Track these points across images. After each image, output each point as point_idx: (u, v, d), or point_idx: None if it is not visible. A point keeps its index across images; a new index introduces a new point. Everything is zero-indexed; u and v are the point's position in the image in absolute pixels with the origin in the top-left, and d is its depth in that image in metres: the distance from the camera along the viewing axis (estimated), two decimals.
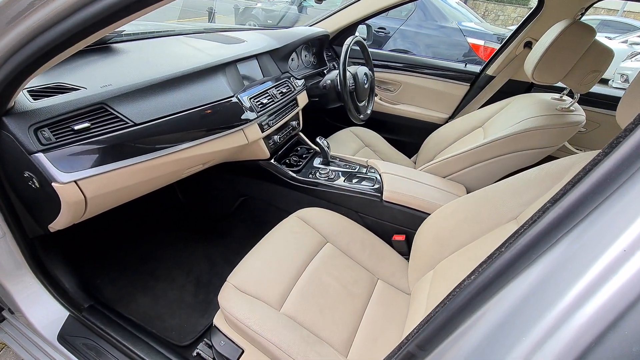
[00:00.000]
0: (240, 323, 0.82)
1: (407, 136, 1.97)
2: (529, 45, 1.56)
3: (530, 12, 1.54)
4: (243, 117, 1.12)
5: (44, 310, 0.96)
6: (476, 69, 1.82)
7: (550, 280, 0.29)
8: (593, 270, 0.26)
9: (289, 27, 1.80)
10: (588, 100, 1.53)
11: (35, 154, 0.68)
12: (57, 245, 0.99)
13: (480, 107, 1.70)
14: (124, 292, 1.17)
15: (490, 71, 1.72)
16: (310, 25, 1.91)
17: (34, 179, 0.72)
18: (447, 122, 1.81)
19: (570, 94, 1.25)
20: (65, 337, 0.94)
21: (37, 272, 0.95)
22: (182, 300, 1.18)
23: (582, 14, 1.42)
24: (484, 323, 0.32)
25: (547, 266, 0.29)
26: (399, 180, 1.25)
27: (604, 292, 0.25)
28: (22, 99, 0.70)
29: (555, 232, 0.29)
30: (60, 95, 0.75)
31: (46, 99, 0.73)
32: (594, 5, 1.43)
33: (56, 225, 0.84)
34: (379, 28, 4.39)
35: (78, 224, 0.90)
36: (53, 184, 0.70)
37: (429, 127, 1.79)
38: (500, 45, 1.74)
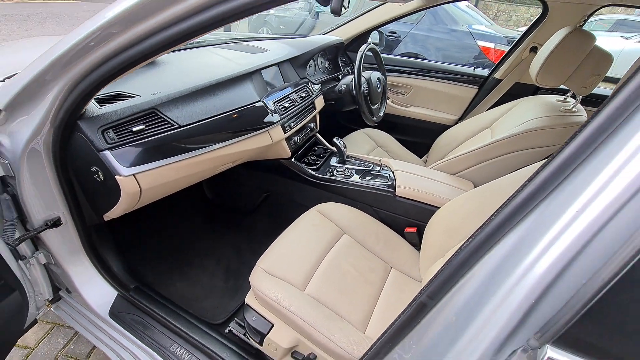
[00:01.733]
0: (271, 300, 0.93)
1: (418, 137, 2.06)
2: (534, 50, 1.64)
3: (536, 19, 1.62)
4: (269, 119, 1.23)
5: (96, 290, 1.09)
6: (484, 72, 1.91)
7: (525, 239, 0.39)
8: (555, 227, 0.36)
9: (306, 35, 1.93)
10: (592, 101, 1.60)
11: (103, 152, 0.81)
12: (108, 233, 1.13)
13: (488, 109, 1.78)
14: (163, 277, 1.30)
15: (498, 74, 1.80)
16: (326, 33, 2.03)
17: (99, 173, 0.85)
18: (456, 123, 1.90)
19: (574, 96, 1.32)
20: (115, 313, 1.07)
21: (92, 257, 1.08)
22: (214, 285, 1.30)
23: (585, 21, 1.49)
24: (479, 272, 0.42)
25: (524, 229, 0.39)
26: (411, 177, 1.35)
27: (563, 241, 0.35)
28: (91, 105, 0.84)
29: (531, 202, 0.39)
30: (120, 102, 0.88)
31: (109, 105, 0.86)
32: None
33: (112, 214, 0.97)
34: (389, 32, 4.47)
35: (123, 217, 1.03)
36: (116, 176, 0.83)
37: (439, 129, 1.88)
38: (509, 48, 1.82)
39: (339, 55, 2.01)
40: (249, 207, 1.65)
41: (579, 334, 0.33)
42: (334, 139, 1.47)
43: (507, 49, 2.10)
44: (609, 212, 0.33)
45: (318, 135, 1.67)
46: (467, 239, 0.45)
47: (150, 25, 0.62)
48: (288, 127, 1.36)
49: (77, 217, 0.98)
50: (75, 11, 10.27)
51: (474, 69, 1.96)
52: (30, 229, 0.95)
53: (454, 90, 1.96)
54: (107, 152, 0.81)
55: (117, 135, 0.84)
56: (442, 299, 0.46)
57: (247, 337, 1.07)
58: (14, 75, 0.88)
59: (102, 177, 0.85)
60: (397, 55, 3.14)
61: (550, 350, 0.34)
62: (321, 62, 1.87)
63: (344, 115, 2.17)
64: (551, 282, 0.35)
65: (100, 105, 0.85)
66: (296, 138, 1.46)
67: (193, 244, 1.49)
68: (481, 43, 4.04)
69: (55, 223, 0.96)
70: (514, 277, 0.38)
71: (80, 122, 0.80)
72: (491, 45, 3.98)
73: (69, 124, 0.79)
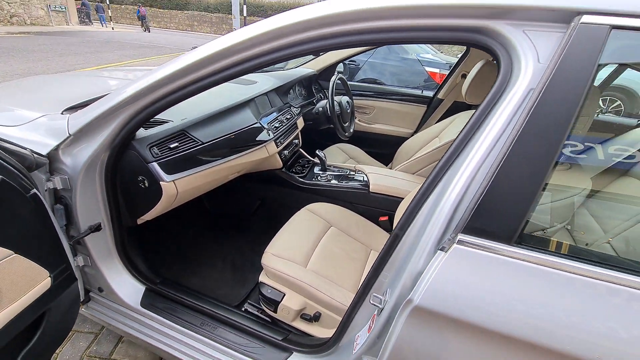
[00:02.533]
0: (282, 274, 1.19)
1: (382, 149, 2.44)
2: (464, 76, 2.11)
3: (463, 53, 2.11)
4: (265, 136, 1.53)
5: (128, 286, 1.28)
6: (430, 93, 2.36)
7: (445, 185, 0.71)
8: (457, 177, 0.69)
9: (282, 68, 2.28)
10: None
11: (152, 163, 1.06)
12: (135, 236, 1.33)
13: (436, 123, 2.21)
14: (178, 274, 1.49)
15: (440, 95, 2.26)
16: (300, 66, 2.40)
17: (145, 181, 1.09)
18: (412, 135, 2.31)
19: None
20: (146, 304, 1.26)
21: (122, 257, 1.27)
22: (224, 278, 1.52)
23: None
24: (427, 206, 0.74)
25: (445, 180, 0.72)
26: (381, 177, 1.69)
27: (460, 182, 0.68)
28: (140, 130, 1.09)
29: (448, 163, 0.73)
30: (159, 126, 1.14)
31: (152, 128, 1.12)
32: None
33: (147, 216, 1.20)
34: (349, 61, 5.00)
35: (143, 225, 1.25)
36: (161, 182, 1.08)
37: (398, 140, 2.27)
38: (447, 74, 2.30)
39: (312, 83, 2.37)
40: (246, 213, 1.89)
41: (472, 224, 0.65)
42: (317, 152, 1.79)
43: None
44: (477, 166, 0.66)
45: (301, 149, 1.99)
46: (419, 188, 0.77)
47: (187, 79, 0.91)
48: (279, 143, 1.66)
49: (115, 222, 1.19)
50: (30, 45, 9.99)
51: (422, 91, 2.41)
52: (75, 235, 1.15)
53: (408, 109, 2.39)
54: (154, 164, 1.07)
55: (159, 151, 1.09)
56: (408, 228, 0.77)
57: (262, 313, 1.31)
58: (72, 107, 1.12)
59: (146, 184, 1.10)
60: (358, 81, 3.58)
61: (460, 235, 0.65)
62: (299, 90, 2.22)
63: (320, 133, 2.52)
64: (458, 203, 0.68)
65: (146, 129, 1.10)
66: (285, 152, 1.76)
67: (200, 247, 1.71)
68: (428, 69, 4.68)
69: (97, 228, 1.16)
70: (442, 203, 0.70)
71: (134, 142, 1.05)
72: (437, 70, 4.61)
73: (125, 143, 1.03)
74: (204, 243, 1.75)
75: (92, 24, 18.59)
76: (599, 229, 0.82)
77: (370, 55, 5.04)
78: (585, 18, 0.61)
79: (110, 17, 19.63)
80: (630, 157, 0.86)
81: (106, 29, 17.76)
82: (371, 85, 2.65)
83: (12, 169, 0.80)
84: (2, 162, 0.77)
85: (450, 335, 0.65)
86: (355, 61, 5.06)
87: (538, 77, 0.64)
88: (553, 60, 0.62)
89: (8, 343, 0.84)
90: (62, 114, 1.10)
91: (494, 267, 0.62)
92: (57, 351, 1.41)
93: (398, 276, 0.79)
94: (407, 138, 2.22)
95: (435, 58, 5.01)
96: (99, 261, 1.22)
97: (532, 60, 0.66)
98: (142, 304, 1.27)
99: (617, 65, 1.04)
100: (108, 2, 19.75)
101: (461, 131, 0.72)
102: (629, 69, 1.07)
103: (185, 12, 22.80)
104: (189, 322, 1.21)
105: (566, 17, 0.64)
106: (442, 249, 0.67)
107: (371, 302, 0.82)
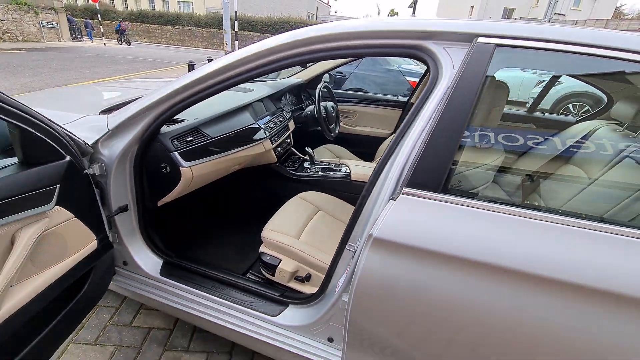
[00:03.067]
0: (279, 242, 1.45)
1: (365, 148, 2.74)
2: None
3: None
4: (261, 135, 1.81)
5: (148, 259, 1.52)
6: (404, 98, 2.69)
7: (395, 158, 1.00)
8: (401, 152, 0.98)
9: (275, 79, 2.59)
10: None
11: (173, 152, 1.33)
12: (155, 218, 1.58)
13: None
14: (188, 254, 1.74)
15: (413, 99, 2.58)
16: (290, 76, 2.71)
17: (167, 167, 1.36)
18: (390, 135, 2.62)
19: None
20: (164, 274, 1.50)
21: (144, 234, 1.52)
22: (229, 256, 1.77)
23: None
24: (384, 171, 1.03)
25: (395, 155, 1.01)
26: (361, 167, 1.99)
27: (401, 155, 0.97)
28: (163, 126, 1.36)
29: (397, 142, 1.02)
30: (177, 123, 1.41)
31: (172, 125, 1.39)
32: None
33: (167, 198, 1.46)
34: (337, 72, 5.37)
35: (159, 210, 1.50)
36: (180, 167, 1.34)
37: (379, 140, 2.59)
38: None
39: (301, 91, 2.68)
40: (246, 202, 2.16)
41: (412, 180, 0.93)
42: (306, 148, 2.07)
43: None
44: (414, 142, 0.95)
45: (292, 148, 2.27)
46: (379, 160, 1.06)
47: (199, 87, 1.19)
48: (273, 141, 1.94)
49: (140, 204, 1.45)
50: (24, 61, 10.16)
51: (398, 97, 2.74)
52: (107, 214, 1.40)
53: (386, 113, 2.71)
54: (175, 153, 1.34)
55: (179, 143, 1.36)
56: (372, 189, 1.05)
57: (261, 279, 1.56)
58: (107, 109, 1.39)
59: (168, 170, 1.36)
60: (345, 90, 3.92)
61: (404, 189, 0.93)
62: (289, 97, 2.52)
63: (309, 135, 2.82)
64: (403, 167, 0.96)
65: (168, 126, 1.38)
66: (279, 149, 2.04)
67: (208, 231, 1.96)
68: (409, 79, 5.06)
69: (124, 209, 1.42)
70: (393, 168, 0.98)
71: (159, 135, 1.32)
72: (417, 80, 5.00)
73: (152, 137, 1.30)
74: (211, 227, 2.00)
75: (83, 39, 18.84)
76: (502, 183, 1.13)
77: (356, 67, 5.42)
78: (481, 39, 0.92)
79: (102, 33, 19.92)
80: (534, 140, 1.17)
81: (96, 45, 18.01)
82: (354, 92, 2.98)
83: (75, 152, 1.07)
84: (69, 146, 1.04)
85: (396, 255, 0.92)
86: (341, 72, 5.43)
87: (452, 79, 0.94)
88: (461, 67, 0.93)
89: (62, 291, 1.08)
90: (99, 114, 1.36)
91: (426, 207, 0.91)
92: (83, 321, 1.63)
93: (366, 226, 1.07)
94: (386, 138, 2.53)
95: (416, 68, 5.42)
96: (125, 238, 1.47)
97: (449, 67, 0.96)
98: (161, 274, 1.51)
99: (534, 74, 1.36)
100: (100, 19, 20.06)
101: (405, 119, 1.02)
102: (574, 78, 1.36)
103: (176, 27, 23.24)
104: (201, 285, 1.45)
105: (469, 38, 0.95)
106: (392, 199, 0.96)
107: (347, 248, 1.10)
